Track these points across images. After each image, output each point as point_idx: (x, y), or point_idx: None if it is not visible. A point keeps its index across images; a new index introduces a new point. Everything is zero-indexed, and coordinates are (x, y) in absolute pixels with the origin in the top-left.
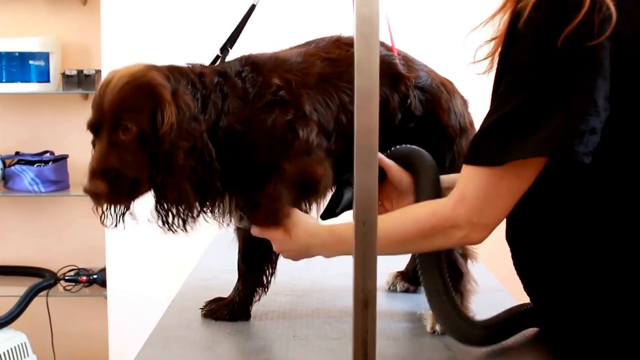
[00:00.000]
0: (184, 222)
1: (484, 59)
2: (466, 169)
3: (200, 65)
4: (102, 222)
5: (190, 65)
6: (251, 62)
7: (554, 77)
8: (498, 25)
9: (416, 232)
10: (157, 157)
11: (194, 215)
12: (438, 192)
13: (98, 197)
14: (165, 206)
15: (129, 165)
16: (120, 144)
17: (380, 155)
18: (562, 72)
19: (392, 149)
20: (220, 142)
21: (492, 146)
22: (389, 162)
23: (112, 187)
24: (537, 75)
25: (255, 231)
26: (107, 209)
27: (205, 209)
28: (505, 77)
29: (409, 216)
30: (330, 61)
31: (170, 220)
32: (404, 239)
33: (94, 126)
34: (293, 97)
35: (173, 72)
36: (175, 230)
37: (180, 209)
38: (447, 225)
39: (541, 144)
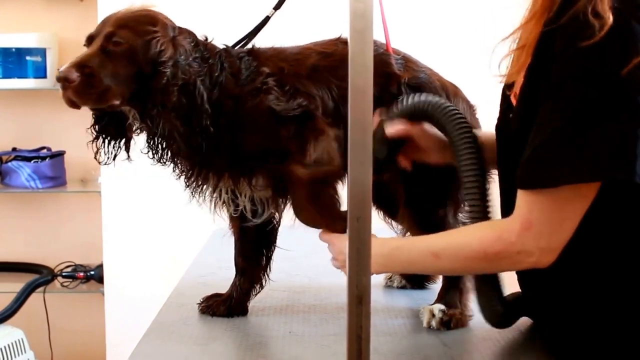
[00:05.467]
0: (174, 155)
1: (510, 72)
2: (527, 194)
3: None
4: (96, 158)
5: (204, 37)
6: (252, 50)
7: (609, 97)
8: (525, 34)
9: (481, 255)
10: (152, 90)
11: (183, 151)
12: (480, 153)
13: (67, 84)
14: (157, 139)
15: (108, 74)
16: (109, 53)
17: (404, 126)
18: (618, 92)
19: (403, 103)
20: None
21: (549, 167)
22: (414, 133)
23: (84, 83)
24: (591, 94)
25: (322, 236)
26: (102, 145)
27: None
28: (552, 93)
29: (473, 238)
30: (325, 55)
31: (160, 153)
32: (467, 261)
33: (90, 38)
34: (283, 83)
35: (181, 28)
36: (165, 163)
37: (171, 143)
38: (514, 251)
39: (602, 165)
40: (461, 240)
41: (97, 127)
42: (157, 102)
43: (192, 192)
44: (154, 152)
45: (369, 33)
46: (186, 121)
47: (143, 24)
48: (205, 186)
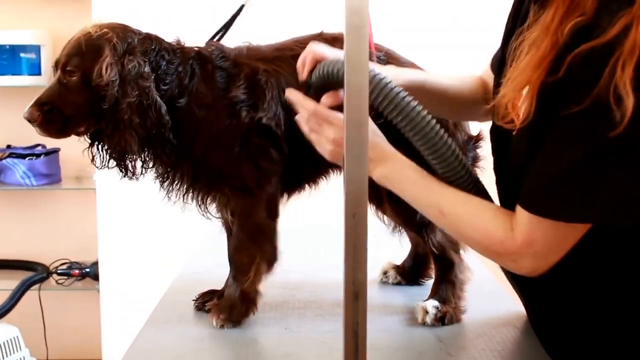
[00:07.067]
0: (127, 170)
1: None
2: (532, 218)
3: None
4: (93, 162)
5: (176, 41)
6: (228, 54)
7: (630, 142)
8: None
9: (479, 245)
10: (104, 110)
11: (141, 166)
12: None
13: (31, 123)
14: (114, 155)
15: (66, 104)
16: (65, 85)
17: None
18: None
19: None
20: (177, 120)
21: (562, 201)
22: None
23: (45, 119)
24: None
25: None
26: (98, 151)
27: (156, 165)
28: (568, 118)
29: (481, 227)
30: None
31: (118, 168)
32: (465, 237)
33: (54, 66)
34: (256, 98)
35: (143, 36)
36: (132, 178)
37: (126, 159)
38: (510, 258)
39: (618, 208)
40: (470, 220)
41: (90, 134)
42: (109, 121)
43: (167, 194)
44: (112, 164)
45: (365, 29)
46: (146, 137)
47: (90, 49)
48: (179, 189)
